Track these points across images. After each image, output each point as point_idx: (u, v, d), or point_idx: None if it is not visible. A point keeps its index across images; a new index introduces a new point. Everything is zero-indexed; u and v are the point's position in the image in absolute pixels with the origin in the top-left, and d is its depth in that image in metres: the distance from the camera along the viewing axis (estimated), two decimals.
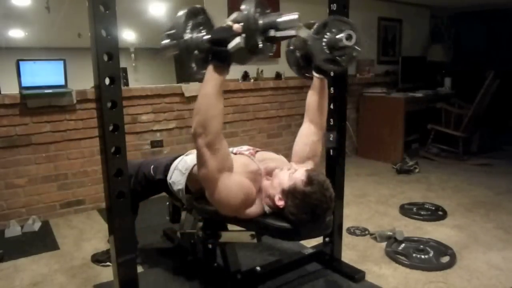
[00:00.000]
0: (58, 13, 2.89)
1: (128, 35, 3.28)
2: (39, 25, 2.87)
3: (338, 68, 1.62)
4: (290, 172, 1.54)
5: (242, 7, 1.34)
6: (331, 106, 2.02)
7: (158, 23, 3.41)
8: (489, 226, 2.70)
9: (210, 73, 1.36)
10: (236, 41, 1.31)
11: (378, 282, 2.02)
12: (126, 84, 3.20)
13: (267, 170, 1.65)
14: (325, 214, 1.50)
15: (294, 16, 1.34)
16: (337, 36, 1.52)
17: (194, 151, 1.96)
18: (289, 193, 1.48)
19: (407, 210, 2.97)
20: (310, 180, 1.47)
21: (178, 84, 3.38)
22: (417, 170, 4.03)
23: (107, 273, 2.13)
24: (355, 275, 2.03)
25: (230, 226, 1.78)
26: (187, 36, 1.39)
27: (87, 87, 2.93)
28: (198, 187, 1.75)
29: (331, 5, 1.93)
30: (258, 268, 1.99)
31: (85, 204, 3.08)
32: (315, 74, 1.72)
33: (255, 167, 1.64)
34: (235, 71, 3.84)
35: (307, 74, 1.78)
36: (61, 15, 2.91)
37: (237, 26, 1.34)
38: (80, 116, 2.95)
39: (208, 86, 1.36)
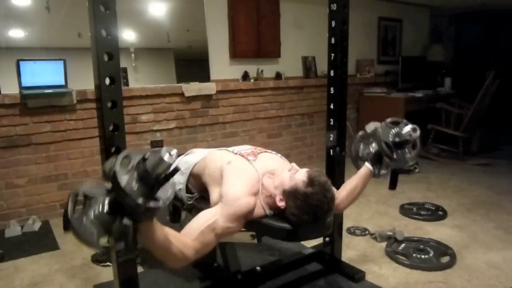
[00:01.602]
0: (58, 13, 2.89)
1: (128, 35, 3.28)
2: (39, 25, 2.87)
3: (391, 154, 1.72)
4: (291, 173, 1.53)
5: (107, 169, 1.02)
6: (331, 106, 2.02)
7: (158, 23, 3.41)
8: (489, 226, 2.70)
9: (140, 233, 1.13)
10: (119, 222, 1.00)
11: (378, 282, 2.02)
12: (126, 84, 3.20)
13: (268, 170, 1.65)
14: (326, 215, 1.50)
15: (162, 154, 0.97)
16: (404, 127, 1.66)
17: (195, 150, 1.98)
18: (290, 194, 1.48)
19: (407, 210, 2.97)
20: (311, 181, 1.46)
21: (178, 84, 3.38)
22: (417, 170, 4.03)
23: (107, 273, 2.13)
24: (355, 275, 2.03)
25: None
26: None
27: (87, 87, 2.93)
28: (199, 187, 1.75)
29: (331, 5, 1.93)
30: (258, 268, 1.99)
31: None
32: (367, 164, 1.84)
33: (252, 172, 1.62)
34: (235, 71, 3.85)
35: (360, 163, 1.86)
36: (61, 15, 2.91)
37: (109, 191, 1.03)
38: (80, 116, 2.95)
39: (145, 243, 1.18)
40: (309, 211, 1.45)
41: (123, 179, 0.96)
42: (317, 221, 1.49)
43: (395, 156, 1.70)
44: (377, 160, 1.82)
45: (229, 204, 1.47)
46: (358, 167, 1.88)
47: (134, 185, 0.96)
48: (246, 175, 1.59)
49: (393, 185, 1.91)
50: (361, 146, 1.86)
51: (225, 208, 1.47)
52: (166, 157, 0.96)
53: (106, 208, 0.99)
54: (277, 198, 1.52)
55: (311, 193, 1.44)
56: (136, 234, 1.06)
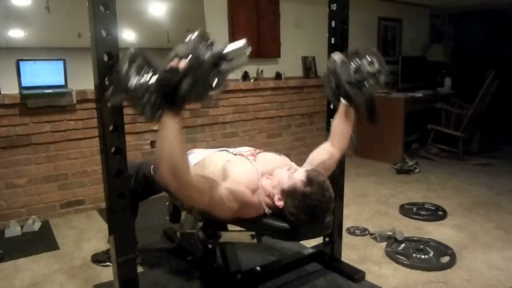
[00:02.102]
0: (58, 13, 2.89)
1: (128, 35, 3.27)
2: (39, 25, 2.87)
3: (359, 93, 1.64)
4: (290, 172, 1.53)
5: (186, 40, 1.27)
6: (331, 106, 2.02)
7: (158, 23, 3.41)
8: (489, 226, 2.70)
9: (165, 118, 1.26)
10: (187, 81, 1.19)
11: (378, 282, 2.02)
12: None
13: (267, 170, 1.65)
14: (324, 215, 1.50)
15: (240, 43, 1.24)
16: (361, 61, 1.58)
17: (194, 150, 1.98)
18: (289, 193, 1.48)
19: (407, 210, 2.97)
20: (309, 180, 1.46)
21: None
22: (417, 170, 4.03)
23: (107, 273, 2.13)
24: (355, 275, 2.03)
25: (230, 226, 1.78)
26: (133, 82, 1.24)
27: (87, 87, 2.93)
28: None
29: (331, 5, 1.93)
30: (258, 268, 1.99)
31: (85, 204, 3.08)
32: (342, 100, 1.75)
33: (252, 168, 1.63)
34: (235, 71, 3.84)
35: (336, 101, 1.79)
36: (61, 15, 2.91)
37: (183, 64, 1.22)
38: (80, 116, 2.95)
39: (166, 131, 1.26)
40: (308, 211, 1.45)
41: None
42: (315, 221, 1.49)
43: (360, 91, 1.63)
44: (348, 95, 1.70)
45: (233, 182, 1.51)
46: (336, 106, 1.82)
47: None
48: (246, 171, 1.61)
49: (371, 118, 1.80)
50: (332, 85, 1.72)
51: (228, 183, 1.50)
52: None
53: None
54: (276, 198, 1.52)
55: (309, 192, 1.44)
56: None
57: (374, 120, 1.78)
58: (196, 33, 1.26)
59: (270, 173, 1.63)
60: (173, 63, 1.24)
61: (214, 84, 1.23)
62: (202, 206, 1.49)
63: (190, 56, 1.21)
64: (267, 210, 1.59)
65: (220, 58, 1.23)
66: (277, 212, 1.57)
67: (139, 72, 1.24)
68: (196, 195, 1.39)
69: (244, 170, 1.61)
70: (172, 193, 1.93)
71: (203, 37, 1.26)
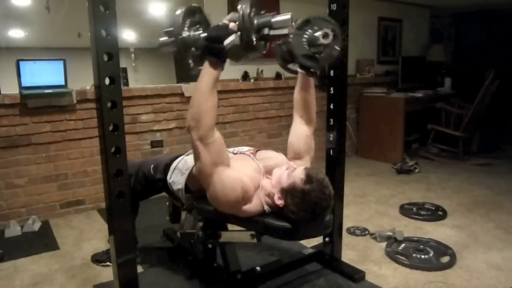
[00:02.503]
0: (58, 13, 2.90)
1: (128, 35, 3.28)
2: (39, 25, 2.87)
3: (316, 65, 1.60)
4: (289, 171, 1.54)
5: (238, 7, 1.42)
6: (331, 106, 2.02)
7: (158, 23, 3.41)
8: (489, 226, 2.70)
9: (205, 68, 1.44)
10: (231, 38, 1.39)
11: (378, 282, 2.01)
12: (126, 84, 3.20)
13: (267, 168, 1.66)
14: (324, 212, 1.50)
15: (287, 16, 1.42)
16: (315, 34, 1.54)
17: None
18: (288, 192, 1.49)
19: (407, 210, 2.97)
20: (309, 178, 1.47)
21: (178, 84, 3.38)
22: (417, 170, 4.03)
23: (107, 273, 2.13)
24: (355, 275, 2.03)
25: (230, 226, 1.78)
26: (185, 33, 1.48)
27: (87, 87, 2.93)
28: (198, 187, 1.75)
29: (331, 5, 1.93)
30: (258, 268, 1.99)
31: (85, 204, 3.08)
32: (298, 69, 1.72)
33: (254, 164, 1.65)
34: (235, 71, 3.85)
35: (292, 69, 1.76)
36: (61, 15, 2.91)
37: (233, 25, 1.42)
38: (80, 116, 2.95)
39: (203, 81, 1.44)
40: (308, 208, 1.45)
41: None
42: (316, 218, 1.49)
43: (316, 61, 1.59)
44: (304, 67, 1.68)
45: (239, 171, 1.54)
46: (289, 71, 1.78)
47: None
48: (250, 166, 1.63)
49: (323, 84, 1.84)
50: (285, 55, 1.66)
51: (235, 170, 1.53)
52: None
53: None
54: (276, 197, 1.52)
55: (309, 190, 1.44)
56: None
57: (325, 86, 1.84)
58: (248, 2, 1.41)
59: (269, 173, 1.64)
60: (225, 21, 1.44)
61: (255, 44, 1.41)
62: (206, 178, 1.50)
63: (240, 18, 1.39)
64: (266, 208, 1.59)
65: (266, 25, 1.41)
66: (277, 211, 1.57)
67: (192, 26, 1.48)
68: (206, 157, 1.45)
69: (247, 165, 1.63)
70: (172, 193, 1.94)
71: (255, 4, 1.42)
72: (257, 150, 1.81)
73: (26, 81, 2.70)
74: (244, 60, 1.49)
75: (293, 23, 1.43)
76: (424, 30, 5.87)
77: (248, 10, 1.39)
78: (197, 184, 1.76)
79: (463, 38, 5.69)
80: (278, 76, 4.09)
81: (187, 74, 3.54)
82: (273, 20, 1.42)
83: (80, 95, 2.90)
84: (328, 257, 2.17)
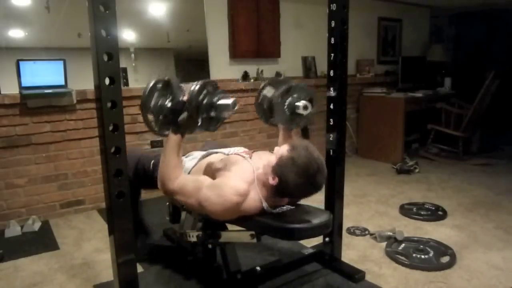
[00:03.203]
0: (58, 13, 2.90)
1: (128, 35, 3.28)
2: (39, 25, 2.87)
3: (294, 125, 1.88)
4: (274, 152, 1.60)
5: (193, 87, 1.61)
6: (331, 106, 2.02)
7: (158, 23, 3.41)
8: (489, 226, 2.70)
9: (169, 135, 1.64)
10: (183, 115, 1.59)
11: (378, 282, 2.01)
12: (126, 84, 3.20)
13: (262, 164, 1.68)
14: (317, 173, 1.51)
15: (228, 101, 1.58)
16: (296, 104, 1.79)
17: (194, 153, 2.00)
18: (279, 166, 1.52)
19: (407, 210, 2.97)
20: (294, 146, 1.53)
21: None
22: (417, 170, 4.03)
23: (107, 273, 2.13)
24: (355, 275, 2.03)
25: (230, 226, 1.78)
26: (152, 102, 1.64)
27: (87, 87, 2.93)
28: None
29: (331, 5, 1.93)
30: (258, 268, 1.99)
31: (85, 204, 3.08)
32: (279, 125, 1.94)
33: (246, 164, 1.69)
34: (235, 71, 3.86)
35: (273, 123, 1.96)
36: (61, 15, 2.91)
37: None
38: (80, 116, 2.95)
39: (166, 146, 1.64)
40: (300, 172, 1.49)
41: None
42: (311, 182, 1.51)
43: (294, 123, 1.86)
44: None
45: (226, 176, 1.62)
46: (271, 125, 2.00)
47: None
48: (241, 166, 1.66)
49: (305, 135, 1.98)
50: (266, 112, 1.91)
51: (219, 178, 1.62)
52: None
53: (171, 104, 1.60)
54: (270, 178, 1.55)
55: (296, 155, 1.50)
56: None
57: (307, 137, 1.98)
58: (202, 81, 1.62)
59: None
60: (184, 98, 1.60)
61: (199, 124, 1.62)
62: (196, 208, 1.62)
63: (190, 98, 1.58)
64: (265, 205, 1.59)
65: (211, 106, 1.60)
66: (276, 207, 1.59)
67: (161, 95, 1.64)
68: (184, 199, 1.63)
69: (239, 165, 1.67)
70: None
71: (208, 84, 1.63)
72: (254, 151, 1.85)
73: (26, 81, 2.69)
74: (196, 132, 1.69)
75: (235, 108, 1.59)
76: (424, 30, 5.87)
77: (196, 91, 1.58)
78: None
79: (463, 38, 5.70)
80: (278, 76, 4.09)
81: (187, 75, 3.55)
82: (217, 103, 1.60)
83: (80, 95, 2.90)
84: (328, 257, 2.17)
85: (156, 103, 1.62)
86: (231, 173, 1.62)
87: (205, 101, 1.60)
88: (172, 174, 1.63)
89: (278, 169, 1.52)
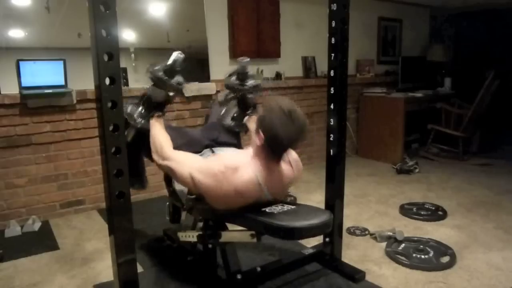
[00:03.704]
0: (58, 13, 2.90)
1: (128, 35, 3.28)
2: (39, 25, 2.87)
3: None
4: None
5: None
6: (331, 106, 2.02)
7: (158, 23, 3.41)
8: (489, 226, 2.70)
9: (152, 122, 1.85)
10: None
11: (378, 282, 2.02)
12: (126, 84, 3.20)
13: None
14: (294, 111, 1.54)
15: (173, 55, 1.83)
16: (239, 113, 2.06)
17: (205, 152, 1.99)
18: (259, 122, 1.58)
19: (407, 210, 2.97)
20: (268, 102, 1.61)
21: None
22: (417, 170, 4.03)
23: (107, 273, 2.13)
24: (355, 275, 2.03)
25: (230, 226, 1.78)
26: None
27: (87, 87, 2.93)
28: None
29: (331, 5, 1.93)
30: (258, 268, 1.99)
31: (85, 204, 3.08)
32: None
33: (235, 150, 1.83)
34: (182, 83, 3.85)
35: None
36: (61, 15, 2.91)
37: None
38: (80, 116, 2.95)
39: (153, 128, 1.81)
40: (279, 113, 1.53)
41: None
42: (293, 118, 1.53)
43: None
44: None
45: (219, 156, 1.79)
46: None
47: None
48: (231, 151, 1.81)
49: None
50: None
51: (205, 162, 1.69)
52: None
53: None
54: (257, 140, 1.58)
55: (269, 107, 1.57)
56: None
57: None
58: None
59: None
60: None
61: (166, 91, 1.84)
62: (189, 182, 1.62)
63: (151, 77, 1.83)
64: (265, 189, 1.59)
65: (167, 71, 1.82)
66: (275, 193, 1.64)
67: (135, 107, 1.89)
68: (179, 168, 1.64)
69: (229, 151, 1.83)
70: (173, 193, 1.95)
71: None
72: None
73: (26, 81, 2.69)
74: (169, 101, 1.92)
75: (182, 56, 1.83)
76: (424, 30, 5.87)
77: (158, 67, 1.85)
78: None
79: (463, 38, 5.69)
80: (278, 76, 4.09)
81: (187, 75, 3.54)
82: (168, 63, 1.85)
83: (80, 95, 2.90)
84: (328, 257, 2.17)
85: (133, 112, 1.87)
86: (220, 156, 1.78)
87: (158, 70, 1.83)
88: (165, 145, 1.73)
89: (260, 125, 1.57)
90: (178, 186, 1.87)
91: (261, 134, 1.55)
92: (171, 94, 1.85)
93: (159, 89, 1.81)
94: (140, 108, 1.86)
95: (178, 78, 1.82)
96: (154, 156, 1.74)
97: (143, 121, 1.83)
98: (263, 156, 1.59)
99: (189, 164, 1.63)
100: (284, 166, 1.67)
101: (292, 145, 1.59)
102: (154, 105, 1.85)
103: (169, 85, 1.80)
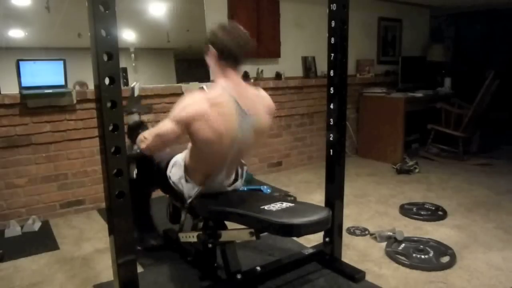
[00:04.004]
0: (58, 13, 2.90)
1: (128, 35, 3.28)
2: (39, 25, 2.87)
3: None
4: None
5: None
6: (331, 106, 2.02)
7: (158, 23, 3.41)
8: (489, 226, 2.70)
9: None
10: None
11: (378, 282, 2.02)
12: (126, 84, 3.20)
13: None
14: (234, 25, 1.74)
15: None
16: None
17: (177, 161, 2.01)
18: (208, 40, 1.72)
19: (407, 210, 2.97)
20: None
21: (178, 84, 3.38)
22: (417, 170, 4.03)
23: (107, 273, 2.13)
24: (355, 275, 2.03)
25: (230, 225, 1.78)
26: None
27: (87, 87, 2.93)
28: (194, 169, 1.85)
29: (331, 5, 1.93)
30: (258, 268, 1.99)
31: (85, 204, 3.08)
32: None
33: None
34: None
35: None
36: (61, 15, 2.91)
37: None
38: (80, 116, 2.95)
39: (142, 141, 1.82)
40: (222, 28, 1.70)
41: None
42: (233, 28, 1.71)
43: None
44: None
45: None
46: None
47: None
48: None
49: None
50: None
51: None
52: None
53: None
54: (210, 61, 1.76)
55: (213, 27, 1.74)
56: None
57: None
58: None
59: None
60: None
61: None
62: (174, 127, 1.69)
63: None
64: (240, 103, 1.69)
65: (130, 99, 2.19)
66: (250, 109, 1.72)
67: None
68: (162, 125, 1.73)
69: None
70: (172, 190, 1.97)
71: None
72: None
73: (26, 81, 2.70)
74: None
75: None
76: (424, 30, 5.88)
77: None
78: (194, 172, 1.85)
79: (463, 38, 5.70)
80: (278, 76, 4.09)
81: (187, 75, 3.55)
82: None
83: (80, 95, 2.90)
84: (328, 257, 2.17)
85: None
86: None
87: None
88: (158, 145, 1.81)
89: (209, 42, 1.72)
90: (174, 177, 1.92)
91: (212, 50, 1.70)
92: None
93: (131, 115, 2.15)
94: (127, 141, 1.96)
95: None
96: (143, 145, 1.79)
97: (136, 148, 1.93)
98: (221, 72, 1.73)
99: (167, 118, 1.72)
100: (253, 89, 1.83)
101: (240, 50, 1.70)
102: (134, 129, 2.06)
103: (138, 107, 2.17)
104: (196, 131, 1.65)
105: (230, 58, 1.70)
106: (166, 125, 1.70)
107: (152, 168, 2.06)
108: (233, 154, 1.78)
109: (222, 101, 1.66)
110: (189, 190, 1.86)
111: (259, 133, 1.81)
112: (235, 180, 1.96)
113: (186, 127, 1.66)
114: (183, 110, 1.66)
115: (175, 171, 1.93)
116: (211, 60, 1.75)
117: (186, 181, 1.88)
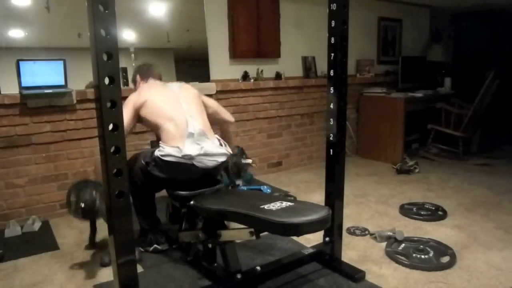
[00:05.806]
0: (58, 13, 2.90)
1: (128, 35, 3.28)
2: (39, 25, 2.87)
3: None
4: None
5: None
6: (331, 106, 2.02)
7: (158, 23, 3.41)
8: (489, 226, 2.70)
9: None
10: None
11: (378, 282, 2.01)
12: (126, 84, 3.20)
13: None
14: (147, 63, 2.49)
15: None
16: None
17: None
18: (135, 73, 2.45)
19: (407, 210, 2.97)
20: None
21: None
22: (417, 170, 4.03)
23: (107, 273, 2.13)
24: (355, 275, 2.03)
25: (230, 225, 1.78)
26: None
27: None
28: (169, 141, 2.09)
29: (331, 5, 1.93)
30: (258, 268, 1.99)
31: None
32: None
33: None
34: (235, 71, 3.86)
35: None
36: (61, 15, 2.91)
37: None
38: (80, 116, 2.95)
39: None
40: (141, 64, 2.49)
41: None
42: (147, 63, 2.48)
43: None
44: None
45: None
46: None
47: None
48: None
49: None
50: None
51: None
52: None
53: None
54: (139, 85, 2.36)
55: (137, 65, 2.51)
56: None
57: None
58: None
59: None
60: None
61: None
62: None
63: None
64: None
65: None
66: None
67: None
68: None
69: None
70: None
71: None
72: None
73: (26, 81, 2.69)
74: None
75: None
76: (424, 30, 5.87)
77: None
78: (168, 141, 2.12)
79: (463, 38, 5.69)
80: (278, 76, 4.09)
81: (187, 75, 3.55)
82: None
83: (80, 95, 2.90)
84: (328, 257, 2.17)
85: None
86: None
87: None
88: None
89: (136, 74, 2.42)
90: (158, 152, 2.10)
91: (138, 78, 2.39)
92: None
93: None
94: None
95: None
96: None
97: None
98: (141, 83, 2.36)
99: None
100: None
101: (151, 69, 2.41)
102: None
103: None
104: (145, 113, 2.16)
105: (147, 74, 2.40)
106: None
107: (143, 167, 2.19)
108: (180, 109, 2.17)
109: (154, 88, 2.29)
110: (173, 151, 2.03)
111: (188, 93, 2.29)
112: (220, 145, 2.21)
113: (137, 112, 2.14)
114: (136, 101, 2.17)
115: (148, 152, 2.16)
116: (139, 84, 2.39)
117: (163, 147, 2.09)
